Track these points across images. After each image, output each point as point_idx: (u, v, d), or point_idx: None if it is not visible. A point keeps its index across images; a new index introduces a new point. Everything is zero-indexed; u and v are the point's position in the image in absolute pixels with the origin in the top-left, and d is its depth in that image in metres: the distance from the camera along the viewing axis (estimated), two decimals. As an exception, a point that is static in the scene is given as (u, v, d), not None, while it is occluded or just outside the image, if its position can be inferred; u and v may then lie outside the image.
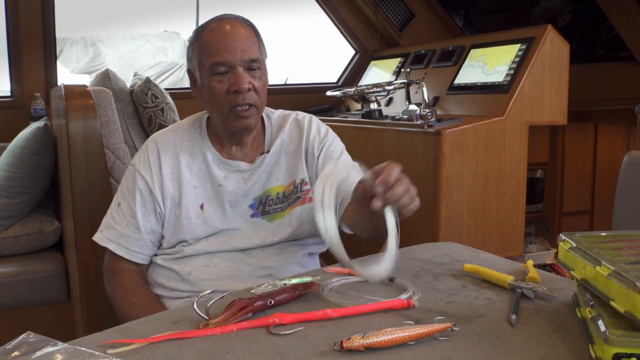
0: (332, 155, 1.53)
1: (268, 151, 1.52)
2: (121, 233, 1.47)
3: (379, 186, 1.03)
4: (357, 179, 1.48)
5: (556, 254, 3.37)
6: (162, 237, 1.50)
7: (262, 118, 1.55)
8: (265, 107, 1.53)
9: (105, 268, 1.51)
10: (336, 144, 1.56)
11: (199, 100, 1.49)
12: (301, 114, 1.60)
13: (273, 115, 1.58)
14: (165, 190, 1.47)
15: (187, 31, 12.09)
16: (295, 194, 1.51)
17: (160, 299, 1.48)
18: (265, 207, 1.49)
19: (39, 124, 2.55)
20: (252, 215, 1.49)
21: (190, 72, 1.50)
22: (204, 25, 1.45)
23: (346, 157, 1.57)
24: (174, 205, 1.47)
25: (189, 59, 1.49)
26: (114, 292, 1.45)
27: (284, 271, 1.43)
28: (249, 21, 1.48)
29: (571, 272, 0.89)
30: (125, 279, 1.45)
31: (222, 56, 1.38)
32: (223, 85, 1.40)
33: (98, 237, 1.50)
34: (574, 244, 0.90)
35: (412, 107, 2.66)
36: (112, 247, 1.47)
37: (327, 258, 1.29)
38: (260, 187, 1.49)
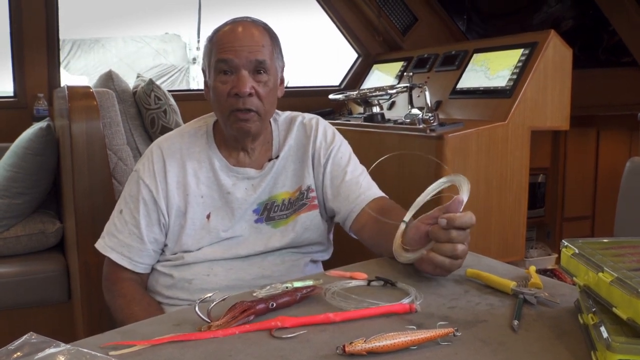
0: (339, 162, 1.51)
1: (277, 157, 1.49)
2: (123, 242, 1.44)
3: (442, 220, 1.05)
4: (366, 186, 1.48)
5: (557, 259, 3.36)
6: (165, 245, 1.48)
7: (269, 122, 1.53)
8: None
9: (105, 276, 1.49)
10: (343, 150, 1.54)
11: (207, 100, 1.48)
12: (307, 117, 1.57)
13: (280, 118, 1.56)
14: (171, 200, 1.44)
15: (188, 33, 12.10)
16: (300, 201, 1.49)
17: (160, 306, 1.47)
18: (270, 213, 1.47)
19: (42, 124, 2.56)
20: (256, 221, 1.47)
21: (203, 71, 1.49)
22: (221, 26, 1.44)
23: (354, 162, 1.54)
24: (179, 215, 1.44)
25: (202, 58, 1.48)
26: (114, 300, 1.43)
27: (285, 280, 1.42)
28: (267, 26, 1.45)
29: (574, 278, 0.89)
30: (126, 288, 1.43)
31: (227, 54, 1.37)
32: (226, 87, 1.38)
33: (100, 245, 1.47)
34: (577, 250, 0.90)
35: (415, 111, 2.66)
36: (114, 256, 1.44)
37: (331, 266, 1.29)
38: (267, 193, 1.47)
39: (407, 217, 1.18)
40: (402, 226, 1.17)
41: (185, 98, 3.39)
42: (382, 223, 1.32)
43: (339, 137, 1.57)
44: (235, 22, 1.43)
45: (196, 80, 11.72)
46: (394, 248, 1.15)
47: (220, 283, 1.42)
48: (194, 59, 11.94)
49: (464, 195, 1.07)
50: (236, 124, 1.40)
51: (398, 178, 2.33)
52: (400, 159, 2.40)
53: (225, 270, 1.43)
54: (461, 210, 1.06)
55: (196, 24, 11.82)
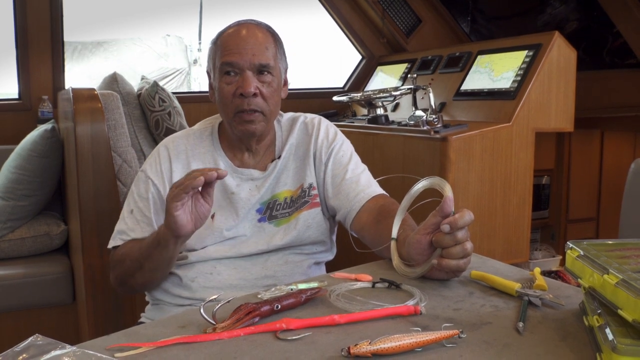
0: (341, 160, 1.51)
1: (279, 157, 1.51)
2: (136, 239, 1.44)
3: (445, 225, 1.05)
4: (366, 184, 1.48)
5: (561, 260, 3.34)
6: None
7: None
8: None
9: (111, 265, 1.46)
10: (345, 148, 1.55)
11: (212, 102, 1.49)
12: (309, 116, 1.59)
13: (282, 119, 1.57)
14: None
15: (189, 36, 12.10)
16: (302, 199, 1.50)
17: (161, 304, 1.47)
18: (272, 211, 1.48)
19: (47, 126, 2.56)
20: (260, 220, 1.48)
21: (208, 73, 1.51)
22: (225, 28, 1.46)
23: (355, 160, 1.55)
24: None
25: (207, 61, 1.50)
26: (124, 264, 1.40)
27: (288, 281, 1.41)
28: (270, 28, 1.48)
29: (579, 280, 0.89)
30: (124, 247, 1.43)
31: (232, 57, 1.39)
32: (231, 88, 1.40)
33: (111, 245, 1.47)
34: (582, 252, 0.90)
35: (419, 112, 2.67)
36: (120, 243, 1.44)
37: (334, 267, 1.29)
38: (269, 192, 1.49)
39: (394, 233, 1.19)
40: (393, 243, 1.18)
41: (190, 100, 3.40)
42: (381, 226, 1.33)
43: (341, 135, 1.57)
44: (239, 25, 1.45)
45: (197, 82, 11.73)
46: (395, 267, 1.16)
47: (223, 282, 1.42)
48: (195, 60, 11.94)
49: (450, 193, 1.08)
50: (241, 125, 1.42)
51: (402, 177, 2.33)
52: (404, 161, 2.40)
53: (228, 270, 1.44)
54: (452, 207, 1.06)
55: (197, 26, 11.83)
